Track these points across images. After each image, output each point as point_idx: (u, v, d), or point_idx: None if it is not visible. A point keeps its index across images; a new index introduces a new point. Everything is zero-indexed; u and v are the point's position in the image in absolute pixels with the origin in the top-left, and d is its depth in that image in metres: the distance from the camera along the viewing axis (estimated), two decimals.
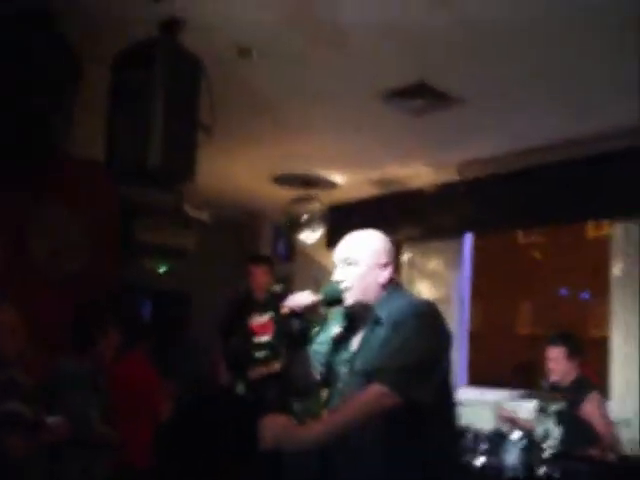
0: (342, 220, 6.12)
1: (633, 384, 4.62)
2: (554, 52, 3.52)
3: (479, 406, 4.84)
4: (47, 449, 3.12)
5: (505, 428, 4.20)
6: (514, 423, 4.27)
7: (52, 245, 5.33)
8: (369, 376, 2.22)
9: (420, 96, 4.12)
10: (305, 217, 6.14)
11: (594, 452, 3.78)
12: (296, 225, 6.20)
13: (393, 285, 2.45)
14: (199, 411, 5.61)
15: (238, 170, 6.00)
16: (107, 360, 4.04)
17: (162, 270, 6.96)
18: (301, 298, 2.37)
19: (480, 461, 3.86)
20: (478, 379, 6.13)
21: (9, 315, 3.22)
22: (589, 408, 4.08)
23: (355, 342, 2.42)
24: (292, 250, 7.12)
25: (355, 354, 2.38)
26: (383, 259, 2.42)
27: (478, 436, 3.96)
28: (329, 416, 2.22)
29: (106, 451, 3.71)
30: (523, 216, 5.33)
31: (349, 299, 2.38)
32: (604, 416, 4.12)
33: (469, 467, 3.85)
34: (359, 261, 2.39)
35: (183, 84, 3.24)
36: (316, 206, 6.17)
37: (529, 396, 4.41)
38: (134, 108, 3.17)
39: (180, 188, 4.70)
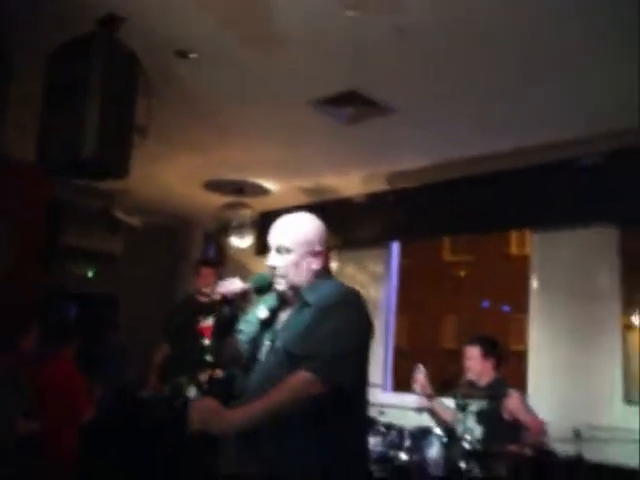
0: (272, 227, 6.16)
1: (547, 391, 4.85)
2: (485, 66, 3.67)
3: (403, 410, 4.94)
4: None
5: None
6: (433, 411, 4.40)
7: None
8: (290, 355, 2.28)
9: (351, 104, 4.23)
10: (235, 223, 6.17)
11: (513, 448, 3.93)
12: (226, 231, 6.23)
13: (324, 271, 2.50)
14: (121, 414, 5.56)
15: (170, 175, 5.99)
16: (27, 359, 3.98)
17: (89, 274, 6.87)
18: (232, 285, 2.40)
19: (404, 457, 3.96)
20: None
21: None
22: (512, 404, 4.22)
23: (280, 321, 2.46)
24: (222, 256, 7.12)
25: (277, 332, 2.42)
26: (317, 247, 2.46)
27: (402, 433, 4.06)
28: (255, 402, 2.21)
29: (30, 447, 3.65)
30: (448, 225, 5.53)
31: (281, 285, 2.42)
32: (530, 409, 4.28)
33: (391, 461, 3.96)
34: (292, 249, 2.41)
35: (119, 79, 3.25)
36: (247, 213, 6.21)
37: (449, 395, 4.52)
38: (69, 101, 3.17)
39: (113, 182, 4.65)
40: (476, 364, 4.49)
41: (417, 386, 4.41)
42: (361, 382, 2.41)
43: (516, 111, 4.26)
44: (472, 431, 4.10)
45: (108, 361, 6.19)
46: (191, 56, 3.66)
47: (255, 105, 4.41)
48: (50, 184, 5.69)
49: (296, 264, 2.42)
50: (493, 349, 4.55)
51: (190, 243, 7.66)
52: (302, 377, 2.16)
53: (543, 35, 3.33)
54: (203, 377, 2.38)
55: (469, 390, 4.25)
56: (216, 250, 7.36)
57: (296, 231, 2.45)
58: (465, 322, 19.14)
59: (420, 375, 4.43)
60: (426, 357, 19.14)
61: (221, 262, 6.21)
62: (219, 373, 2.43)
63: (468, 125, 4.52)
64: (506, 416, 4.25)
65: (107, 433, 5.32)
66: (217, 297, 2.34)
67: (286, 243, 2.42)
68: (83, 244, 6.64)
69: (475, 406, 4.26)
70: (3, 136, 3.55)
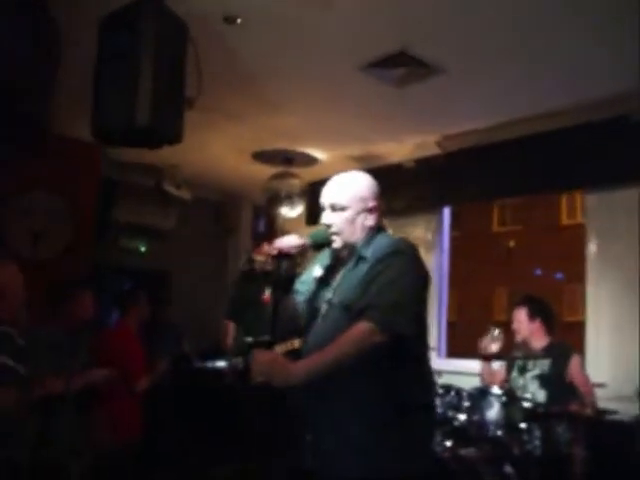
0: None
1: (607, 354, 4.77)
2: (533, 21, 3.58)
3: (458, 375, 4.93)
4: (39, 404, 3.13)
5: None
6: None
7: (34, 229, 5.30)
8: (348, 309, 2.30)
9: (400, 65, 4.17)
10: (285, 193, 6.18)
11: (574, 407, 3.89)
12: (276, 201, 6.24)
13: (379, 228, 2.51)
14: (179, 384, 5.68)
15: (218, 146, 6.01)
16: (81, 320, 4.02)
17: (142, 249, 6.98)
18: (290, 240, 2.41)
19: (463, 418, 3.95)
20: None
21: (3, 275, 3.21)
22: (574, 370, 4.19)
23: (337, 279, 2.47)
24: (272, 228, 7.16)
25: (335, 288, 2.44)
26: (370, 203, 2.47)
27: (460, 394, 4.05)
28: (318, 354, 2.23)
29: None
30: (499, 187, 5.45)
31: (337, 242, 2.44)
32: (586, 376, 4.24)
33: (450, 421, 3.96)
34: (347, 207, 2.43)
35: (169, 47, 3.24)
36: (296, 182, 6.22)
37: (508, 359, 4.49)
38: (121, 70, 3.18)
39: (163, 156, 4.70)
40: (523, 326, 4.45)
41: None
42: (421, 331, 2.42)
43: (565, 68, 4.16)
44: (534, 394, 4.08)
45: (161, 337, 6.31)
46: (239, 21, 3.66)
47: (302, 71, 4.39)
48: (101, 160, 5.78)
49: (352, 221, 2.43)
50: (540, 309, 4.50)
51: (240, 216, 7.71)
52: (362, 327, 2.17)
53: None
54: (278, 350, 2.41)
55: (528, 352, 4.21)
56: (266, 223, 7.41)
57: (350, 188, 2.46)
58: (516, 294, 18.92)
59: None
60: (478, 330, 19.11)
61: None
62: (296, 343, 2.46)
63: (518, 84, 4.42)
64: (569, 379, 4.21)
65: (165, 404, 5.45)
66: (274, 252, 2.35)
67: (341, 201, 2.43)
68: (135, 219, 6.74)
69: (537, 369, 4.24)
70: (55, 112, 3.60)
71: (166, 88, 3.19)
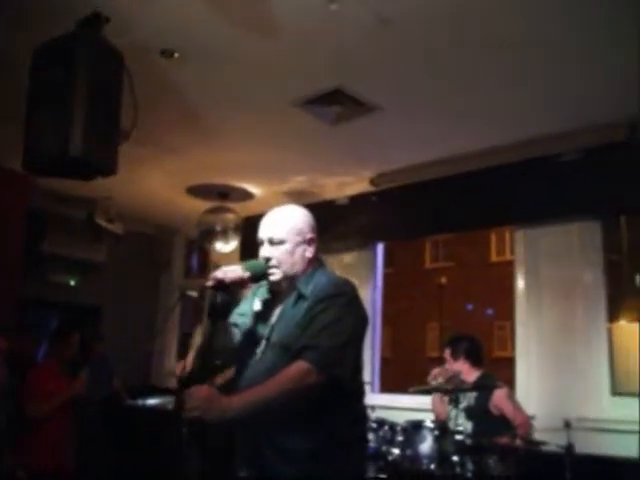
0: (257, 232, 6.16)
1: (536, 387, 4.90)
2: (468, 61, 3.70)
3: (391, 409, 4.96)
4: None
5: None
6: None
7: None
8: (286, 349, 2.29)
9: (337, 103, 4.25)
10: (219, 228, 6.15)
11: (504, 440, 3.96)
12: (210, 236, 6.21)
13: (317, 262, 2.52)
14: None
15: (153, 180, 5.96)
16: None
17: (72, 283, 6.81)
18: (231, 271, 2.39)
19: (396, 452, 3.97)
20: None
21: None
22: (498, 399, 4.27)
23: (274, 315, 2.46)
24: (205, 263, 7.10)
25: (273, 326, 2.43)
26: (308, 235, 2.48)
27: (393, 428, 4.07)
28: (254, 389, 2.21)
29: None
30: (431, 224, 5.59)
31: (277, 275, 2.43)
32: (516, 404, 4.33)
33: (383, 456, 3.96)
34: (285, 240, 2.43)
35: (104, 77, 3.23)
36: (231, 217, 6.20)
37: (439, 391, 4.55)
38: (54, 99, 3.15)
39: (95, 189, 4.63)
40: (450, 365, 4.55)
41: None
42: (357, 369, 2.43)
43: (499, 108, 4.31)
44: (464, 427, 4.14)
45: (93, 372, 6.15)
46: (176, 55, 3.67)
47: (239, 107, 4.42)
48: (30, 191, 5.64)
49: (291, 253, 2.43)
50: (463, 348, 4.59)
51: (173, 250, 7.63)
52: (300, 367, 2.17)
53: (527, 31, 3.38)
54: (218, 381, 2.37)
55: (457, 384, 4.28)
56: (200, 257, 7.35)
57: (287, 221, 2.47)
58: (448, 329, 19.19)
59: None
60: (410, 366, 19.26)
61: None
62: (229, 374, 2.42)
63: (452, 124, 4.56)
64: (493, 410, 4.30)
65: (96, 442, 5.29)
66: (211, 282, 2.33)
67: (279, 234, 2.43)
68: (65, 252, 6.59)
69: (464, 402, 4.31)
70: None
71: (100, 119, 3.17)
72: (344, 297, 2.35)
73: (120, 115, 3.30)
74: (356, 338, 2.38)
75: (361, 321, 2.42)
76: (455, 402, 4.03)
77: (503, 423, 4.21)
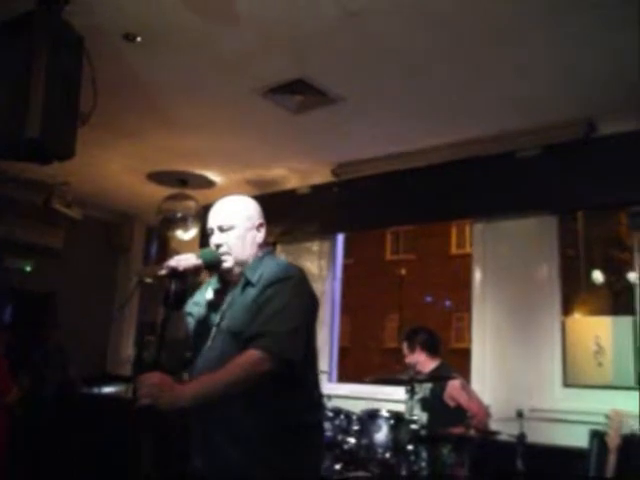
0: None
1: (491, 378, 4.97)
2: (432, 55, 3.72)
3: (348, 399, 4.99)
4: None
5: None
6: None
7: None
8: (236, 335, 2.30)
9: (299, 93, 4.25)
10: (179, 215, 6.11)
11: (457, 430, 4.02)
12: (170, 223, 6.15)
13: (266, 249, 2.54)
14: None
15: (112, 165, 5.89)
16: None
17: (27, 268, 6.70)
18: (184, 259, 2.38)
19: (352, 441, 4.00)
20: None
21: None
22: (453, 390, 4.33)
23: (225, 302, 2.46)
24: (164, 250, 7.04)
25: (223, 312, 2.43)
26: (257, 220, 2.51)
27: (349, 417, 4.09)
28: (207, 377, 2.20)
29: None
30: (391, 216, 5.62)
31: (229, 262, 2.43)
32: (472, 394, 4.40)
33: (339, 445, 3.99)
34: (234, 225, 2.45)
35: (63, 59, 3.17)
36: (191, 204, 6.15)
37: (395, 383, 4.59)
38: (11, 80, 3.09)
39: (53, 174, 4.56)
40: (408, 358, 4.60)
41: None
42: (311, 357, 2.44)
43: (461, 104, 4.36)
44: (420, 417, 4.19)
45: (48, 360, 6.07)
46: (139, 39, 3.62)
47: (202, 94, 4.39)
48: None
49: (241, 238, 2.45)
50: (419, 340, 4.65)
51: (132, 237, 7.54)
52: (253, 355, 2.17)
53: (487, 30, 3.43)
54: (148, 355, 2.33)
55: (415, 375, 4.32)
56: (159, 244, 7.28)
57: (235, 208, 2.50)
58: (407, 321, 19.35)
59: None
60: (369, 356, 19.40)
61: None
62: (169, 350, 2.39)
63: (413, 117, 4.59)
64: (448, 401, 4.36)
65: (49, 428, 5.22)
66: (165, 271, 2.31)
67: (228, 220, 2.45)
68: (21, 237, 6.47)
69: (420, 393, 4.35)
70: None
71: (58, 102, 3.11)
72: (292, 280, 2.36)
73: (79, 98, 3.25)
74: (307, 320, 2.39)
75: (311, 303, 2.43)
76: (411, 393, 4.06)
77: (459, 413, 4.27)
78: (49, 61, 3.08)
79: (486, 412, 4.30)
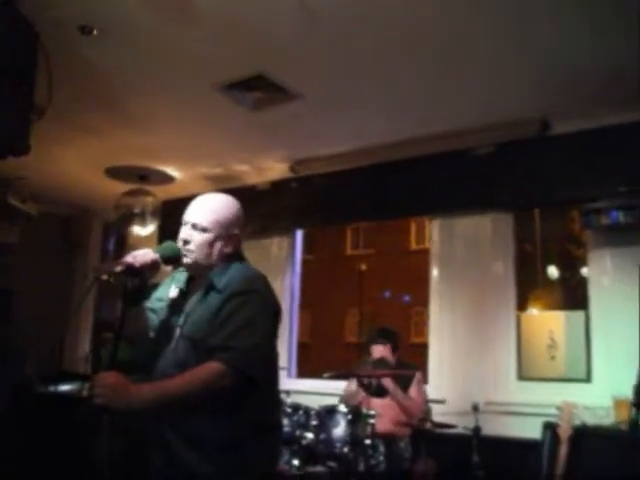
0: (176, 215, 6.08)
1: (447, 372, 5.06)
2: (389, 52, 3.74)
3: (307, 394, 5.02)
4: None
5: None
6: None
7: None
8: (195, 343, 2.27)
9: (258, 89, 4.24)
10: (137, 210, 6.05)
11: (411, 422, 4.11)
12: (128, 219, 6.09)
13: (235, 255, 2.48)
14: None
15: (69, 160, 5.81)
16: None
17: None
18: (141, 255, 2.35)
19: (310, 436, 4.02)
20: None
21: None
22: (413, 390, 4.45)
23: (189, 305, 2.42)
24: (122, 246, 6.97)
25: (186, 316, 2.39)
26: (233, 231, 2.44)
27: (308, 412, 4.12)
28: (164, 382, 2.19)
29: None
30: (350, 212, 5.67)
31: (188, 259, 2.39)
32: (420, 392, 4.51)
33: (298, 440, 4.02)
34: (208, 229, 2.38)
35: (16, 52, 3.12)
36: (149, 200, 6.11)
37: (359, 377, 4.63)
38: None
39: (9, 168, 4.47)
40: (383, 355, 4.64)
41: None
42: (272, 370, 2.44)
43: (416, 103, 4.41)
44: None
45: (3, 360, 5.96)
46: (95, 32, 3.57)
47: (159, 89, 4.35)
48: None
49: (210, 244, 2.39)
50: (395, 340, 4.72)
51: (89, 232, 7.45)
52: (214, 368, 2.15)
53: (442, 30, 3.47)
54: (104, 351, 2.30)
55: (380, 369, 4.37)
56: (117, 240, 7.21)
57: (217, 212, 2.41)
58: (367, 315, 19.45)
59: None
60: (329, 351, 19.44)
61: None
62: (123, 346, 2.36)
63: (372, 114, 4.62)
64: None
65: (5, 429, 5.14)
66: (120, 267, 2.27)
67: (203, 222, 2.38)
68: None
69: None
70: None
71: (11, 95, 3.06)
72: (257, 294, 2.33)
73: (34, 92, 3.21)
74: (271, 335, 2.38)
75: (274, 318, 2.41)
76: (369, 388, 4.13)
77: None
78: (1, 54, 3.03)
79: (421, 411, 4.39)
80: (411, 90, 4.22)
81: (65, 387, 5.98)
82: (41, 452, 5.13)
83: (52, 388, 6.02)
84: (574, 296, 4.97)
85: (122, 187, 6.17)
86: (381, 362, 4.44)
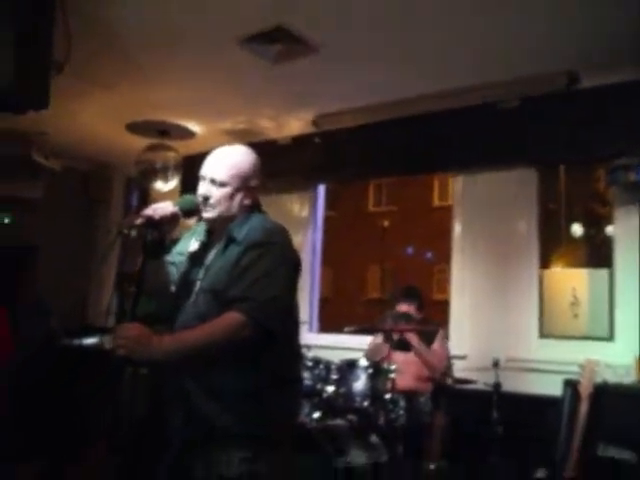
0: (197, 170, 6.08)
1: (468, 329, 5.06)
2: (412, 10, 3.65)
3: (328, 349, 5.05)
4: None
5: None
6: None
7: None
8: (216, 295, 2.28)
9: (278, 41, 4.16)
10: (159, 166, 6.04)
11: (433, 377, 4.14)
12: (149, 174, 6.09)
13: (255, 207, 2.48)
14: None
15: (91, 116, 5.78)
16: None
17: (6, 221, 6.63)
18: (160, 208, 2.35)
19: (331, 390, 4.06)
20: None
21: None
22: (436, 344, 4.45)
23: (209, 258, 2.43)
24: (145, 201, 6.99)
25: (206, 269, 2.40)
26: (252, 182, 2.43)
27: (328, 366, 4.15)
28: (185, 333, 2.22)
29: None
30: (373, 167, 5.61)
31: (209, 213, 2.39)
32: (443, 347, 4.52)
33: (318, 394, 4.07)
34: (227, 183, 2.37)
35: (34, 6, 3.09)
36: (171, 155, 6.08)
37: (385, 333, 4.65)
38: None
39: (31, 124, 4.47)
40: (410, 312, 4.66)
41: None
42: (292, 323, 2.44)
43: (440, 54, 4.29)
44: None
45: (28, 314, 6.05)
46: None
47: (178, 43, 4.28)
48: None
49: (229, 197, 2.38)
50: (420, 298, 4.73)
51: (111, 188, 7.47)
52: (235, 319, 2.15)
53: None
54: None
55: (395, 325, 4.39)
56: (139, 195, 7.23)
57: (234, 164, 2.40)
58: (389, 272, 19.49)
59: None
60: (350, 307, 19.56)
61: None
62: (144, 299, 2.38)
63: (394, 66, 4.52)
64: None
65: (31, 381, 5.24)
66: (140, 220, 2.28)
67: (222, 176, 2.37)
68: (1, 190, 6.38)
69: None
70: None
71: (31, 50, 3.04)
72: (276, 246, 2.33)
73: (52, 46, 3.18)
74: (291, 286, 2.38)
75: (294, 269, 2.41)
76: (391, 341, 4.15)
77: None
78: (19, 8, 3.00)
79: (444, 366, 4.40)
80: (437, 43, 4.11)
81: (89, 340, 6.08)
82: (65, 404, 5.23)
83: (77, 341, 6.13)
84: (598, 254, 4.91)
85: (143, 143, 6.14)
86: (405, 316, 4.46)
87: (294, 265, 2.41)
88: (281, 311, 2.27)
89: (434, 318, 4.95)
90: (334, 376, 4.08)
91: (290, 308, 2.40)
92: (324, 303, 6.71)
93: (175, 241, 2.59)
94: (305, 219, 6.22)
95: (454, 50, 4.21)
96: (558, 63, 4.34)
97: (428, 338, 4.48)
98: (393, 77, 4.70)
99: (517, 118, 4.75)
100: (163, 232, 2.34)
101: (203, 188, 2.40)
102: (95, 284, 7.23)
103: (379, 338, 4.67)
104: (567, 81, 4.48)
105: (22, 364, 4.69)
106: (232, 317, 2.16)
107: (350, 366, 4.10)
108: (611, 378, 4.00)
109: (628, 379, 4.06)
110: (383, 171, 5.95)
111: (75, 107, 5.45)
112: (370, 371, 4.02)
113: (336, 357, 4.39)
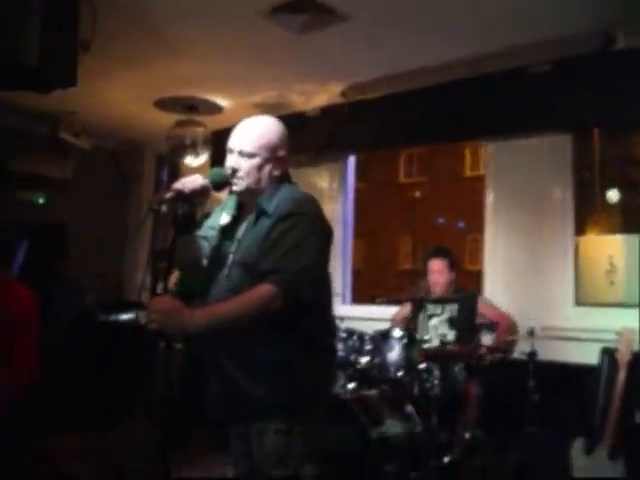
0: (226, 145, 6.07)
1: (502, 297, 4.96)
2: None
3: (361, 320, 5.05)
4: None
5: None
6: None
7: None
8: (248, 268, 2.28)
9: (304, 11, 4.11)
10: (188, 141, 6.05)
11: (469, 347, 4.11)
12: (179, 150, 6.10)
13: (284, 177, 2.47)
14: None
15: (118, 93, 5.79)
16: None
17: (40, 201, 6.71)
18: (190, 181, 2.35)
19: (365, 360, 4.06)
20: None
21: None
22: (481, 308, 4.46)
23: (240, 231, 2.43)
24: (175, 177, 7.01)
25: (238, 242, 2.40)
26: (280, 152, 2.42)
27: (362, 337, 4.15)
28: (217, 306, 2.23)
29: None
30: (402, 137, 5.54)
31: (240, 185, 2.39)
32: (494, 307, 4.56)
33: (352, 365, 4.07)
34: (255, 154, 2.36)
35: None
36: (200, 130, 6.09)
37: (420, 302, 4.63)
38: (8, 7, 3.01)
39: (60, 104, 4.49)
40: (444, 277, 4.62)
41: None
42: (324, 293, 2.44)
43: (468, 19, 4.20)
44: (446, 336, 4.25)
45: (62, 291, 6.14)
46: None
47: (204, 17, 4.25)
48: None
49: (258, 168, 2.38)
50: (455, 261, 4.70)
51: (142, 165, 7.51)
52: (266, 291, 2.16)
53: None
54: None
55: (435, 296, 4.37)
56: (170, 171, 7.26)
57: (261, 135, 2.39)
58: (420, 242, 19.39)
59: None
60: (383, 278, 19.55)
61: None
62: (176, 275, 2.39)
63: (422, 34, 4.44)
64: (481, 319, 4.40)
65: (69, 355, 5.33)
66: (170, 194, 2.28)
67: (249, 148, 2.37)
68: (33, 170, 6.45)
69: (447, 313, 4.40)
70: None
71: (57, 27, 3.05)
72: (306, 216, 2.32)
73: (78, 24, 3.18)
74: (321, 258, 2.37)
75: (325, 239, 2.40)
76: (429, 313, 4.14)
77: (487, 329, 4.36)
78: None
79: (510, 320, 4.38)
80: (461, 8, 4.02)
81: (125, 316, 6.17)
82: (102, 380, 5.32)
83: (113, 317, 6.22)
84: (635, 220, 4.81)
85: (172, 119, 6.15)
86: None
87: (325, 235, 2.40)
88: (312, 281, 2.26)
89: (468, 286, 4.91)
90: (368, 347, 4.09)
91: (322, 277, 2.39)
92: (356, 275, 6.71)
93: (206, 215, 2.59)
94: (335, 191, 6.19)
95: (485, 13, 4.10)
96: (591, 24, 4.21)
97: (466, 308, 4.42)
98: (422, 44, 4.61)
99: (549, 82, 4.63)
100: (194, 206, 2.34)
101: (231, 160, 2.40)
102: (129, 261, 7.31)
103: (407, 307, 4.67)
104: (601, 42, 4.34)
105: (55, 340, 4.75)
106: (264, 289, 2.16)
107: (384, 336, 4.10)
108: None
109: None
110: (414, 141, 5.87)
111: (102, 85, 5.46)
112: (404, 341, 4.02)
113: (369, 328, 4.39)
